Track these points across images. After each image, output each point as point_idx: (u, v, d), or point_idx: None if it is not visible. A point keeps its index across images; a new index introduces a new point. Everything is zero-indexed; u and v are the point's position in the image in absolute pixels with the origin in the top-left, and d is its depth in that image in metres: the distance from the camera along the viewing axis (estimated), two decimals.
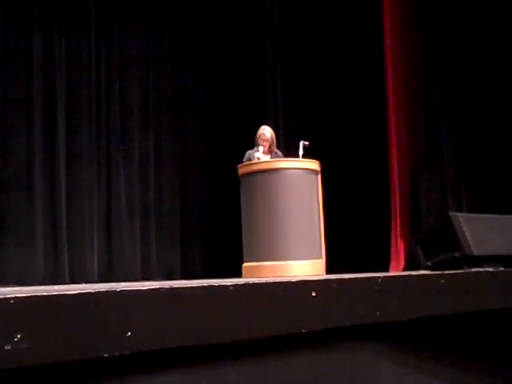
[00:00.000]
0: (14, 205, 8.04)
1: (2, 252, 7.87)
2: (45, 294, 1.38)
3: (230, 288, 1.71)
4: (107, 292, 1.49)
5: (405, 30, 7.85)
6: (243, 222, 5.35)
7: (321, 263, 5.18)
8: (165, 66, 9.57)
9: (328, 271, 5.25)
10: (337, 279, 2.01)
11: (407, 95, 7.79)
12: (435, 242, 3.00)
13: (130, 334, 1.49)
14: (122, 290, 1.52)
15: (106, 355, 1.45)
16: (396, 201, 7.65)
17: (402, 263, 7.39)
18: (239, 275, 5.23)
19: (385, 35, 7.80)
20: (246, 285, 1.76)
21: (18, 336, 1.30)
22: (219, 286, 1.70)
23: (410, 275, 2.31)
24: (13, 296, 1.31)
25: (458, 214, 2.69)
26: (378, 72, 7.91)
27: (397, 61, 7.77)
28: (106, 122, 8.98)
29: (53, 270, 8.16)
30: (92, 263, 8.48)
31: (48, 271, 8.10)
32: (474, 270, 2.58)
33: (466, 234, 2.64)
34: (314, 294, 1.89)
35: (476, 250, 2.64)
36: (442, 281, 2.29)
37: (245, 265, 5.26)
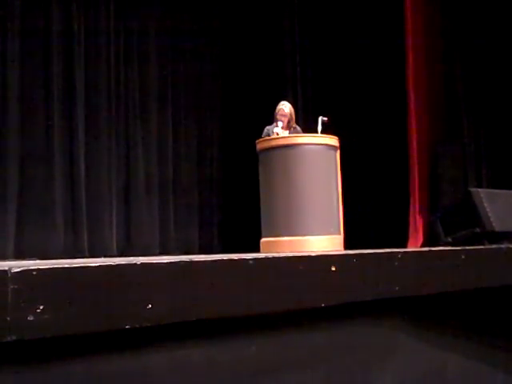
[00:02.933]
0: (33, 180, 8.10)
1: (23, 227, 7.95)
2: (66, 266, 1.38)
3: (250, 262, 1.71)
4: (128, 265, 1.50)
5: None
6: (261, 198, 5.34)
7: (339, 239, 5.17)
8: (183, 41, 9.52)
9: (346, 247, 5.24)
10: (357, 254, 2.00)
11: (428, 68, 7.70)
12: (455, 218, 2.98)
13: (150, 306, 1.50)
14: (142, 263, 1.52)
15: (127, 327, 1.46)
16: (415, 176, 7.60)
17: (421, 239, 7.36)
18: (257, 250, 5.24)
19: (405, 8, 7.69)
20: (266, 259, 1.76)
21: (41, 307, 1.31)
22: (239, 259, 1.70)
23: (430, 251, 2.30)
24: (35, 268, 1.32)
25: (479, 189, 2.67)
26: (398, 45, 7.82)
27: (416, 30, 7.66)
28: (125, 98, 8.98)
29: (72, 244, 8.23)
30: (111, 238, 8.54)
31: (68, 245, 8.18)
32: (494, 245, 2.56)
33: (487, 209, 2.62)
34: (333, 269, 1.89)
35: (497, 225, 2.62)
36: (463, 256, 2.28)
37: (263, 240, 5.26)
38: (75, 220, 8.32)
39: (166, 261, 1.58)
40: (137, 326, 1.48)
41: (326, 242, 5.00)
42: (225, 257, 1.76)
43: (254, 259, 1.71)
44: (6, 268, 1.28)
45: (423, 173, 7.63)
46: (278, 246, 4.99)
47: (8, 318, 1.27)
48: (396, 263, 2.07)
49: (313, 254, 1.89)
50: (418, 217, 7.51)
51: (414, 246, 7.18)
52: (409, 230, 7.57)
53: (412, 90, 7.66)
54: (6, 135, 8.00)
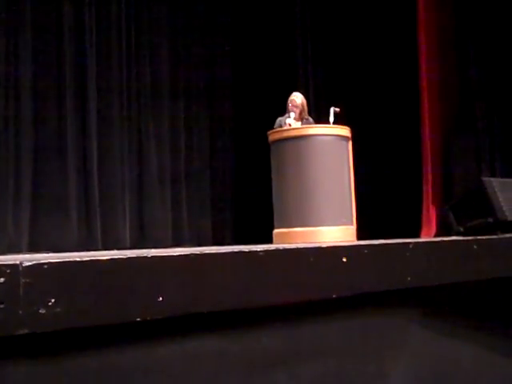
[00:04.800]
0: (47, 173, 8.14)
1: (37, 220, 8.00)
2: (77, 259, 1.39)
3: (261, 253, 1.71)
4: (139, 258, 1.50)
5: None
6: (274, 189, 5.34)
7: (352, 230, 5.16)
8: (194, 30, 9.51)
9: (359, 238, 5.23)
10: (368, 245, 2.00)
11: (440, 58, 7.64)
12: (468, 208, 2.97)
13: (161, 298, 1.50)
14: (153, 256, 1.53)
15: (138, 319, 1.47)
16: (428, 166, 7.57)
17: (434, 230, 7.34)
18: (270, 242, 5.24)
19: None
20: (277, 250, 1.76)
21: (52, 300, 1.32)
22: (250, 251, 1.70)
23: (442, 241, 2.29)
24: (46, 261, 1.33)
25: (492, 178, 2.65)
26: (409, 34, 7.77)
27: (429, 16, 7.60)
28: (137, 90, 8.99)
29: (86, 237, 8.28)
30: (124, 230, 8.58)
31: (81, 238, 8.22)
32: (507, 235, 2.54)
33: (500, 199, 2.60)
34: (344, 260, 1.88)
35: (510, 215, 2.60)
36: (475, 246, 2.27)
37: (275, 231, 5.26)
38: (88, 213, 8.36)
39: (176, 253, 1.59)
40: (148, 318, 1.48)
41: (338, 233, 4.99)
42: (235, 249, 1.76)
43: (265, 251, 1.71)
44: (18, 262, 1.29)
45: (436, 163, 7.59)
46: (291, 237, 4.99)
47: (20, 312, 1.28)
48: (408, 253, 2.06)
49: (323, 246, 1.89)
50: (430, 207, 7.48)
51: (426, 237, 7.16)
52: (422, 220, 7.55)
53: (424, 79, 7.62)
54: (20, 129, 8.04)
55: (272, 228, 5.31)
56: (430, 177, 7.53)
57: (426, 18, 7.61)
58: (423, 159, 7.63)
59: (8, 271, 1.27)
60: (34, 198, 8.03)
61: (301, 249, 1.84)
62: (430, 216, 7.46)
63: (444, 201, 7.35)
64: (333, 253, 1.90)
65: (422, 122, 7.64)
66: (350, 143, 5.30)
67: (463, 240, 2.42)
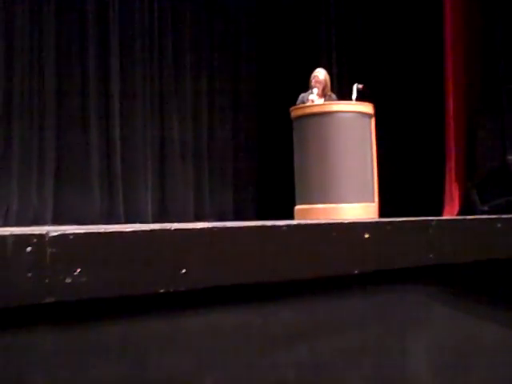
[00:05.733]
0: (69, 147, 8.22)
1: (60, 193, 8.09)
2: (102, 230, 1.41)
3: (283, 228, 1.71)
4: (162, 230, 1.52)
5: None
6: (296, 165, 5.34)
7: (373, 207, 5.16)
8: (217, 10, 9.47)
9: (381, 215, 5.22)
10: (390, 221, 1.99)
11: (466, 36, 7.53)
12: (492, 187, 2.94)
13: (184, 271, 1.52)
14: (176, 229, 1.54)
15: (161, 291, 1.49)
16: (451, 145, 7.50)
17: (457, 208, 7.29)
18: (291, 218, 5.26)
19: None
20: (299, 225, 1.77)
21: (78, 270, 1.34)
22: (272, 225, 1.70)
23: (464, 219, 2.28)
24: (72, 232, 1.35)
25: None
26: (435, 13, 7.66)
27: (456, 4, 7.49)
28: (159, 65, 9.01)
29: (108, 210, 8.37)
30: (146, 204, 8.65)
31: (104, 211, 8.32)
32: None
33: None
34: (366, 236, 1.88)
35: None
36: (499, 225, 2.25)
37: (297, 207, 5.27)
38: (111, 186, 8.45)
39: (199, 226, 1.60)
40: (171, 290, 1.50)
41: (360, 210, 4.99)
42: (258, 223, 1.76)
43: (287, 225, 1.71)
44: (44, 232, 1.31)
45: (460, 141, 7.51)
46: (312, 213, 5.00)
47: (46, 281, 1.31)
48: (430, 231, 2.05)
49: (346, 221, 1.89)
50: (453, 185, 7.42)
51: (449, 215, 7.12)
52: (444, 198, 7.50)
53: (449, 54, 7.52)
54: (43, 104, 8.11)
55: (294, 204, 5.31)
56: (453, 154, 7.47)
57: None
58: (446, 136, 7.56)
59: (35, 241, 1.29)
60: (58, 172, 8.13)
61: (323, 224, 1.85)
62: (453, 194, 7.41)
63: (467, 179, 7.30)
64: (355, 228, 1.90)
65: (446, 99, 7.56)
66: (373, 120, 5.27)
67: (487, 218, 2.40)
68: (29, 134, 7.99)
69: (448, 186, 7.51)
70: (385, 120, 6.16)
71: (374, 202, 5.18)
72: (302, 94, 5.68)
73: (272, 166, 9.15)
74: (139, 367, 1.53)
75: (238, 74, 9.66)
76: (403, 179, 7.98)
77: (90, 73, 8.41)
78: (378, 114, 5.35)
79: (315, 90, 5.54)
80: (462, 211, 7.01)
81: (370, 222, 1.98)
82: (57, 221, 7.80)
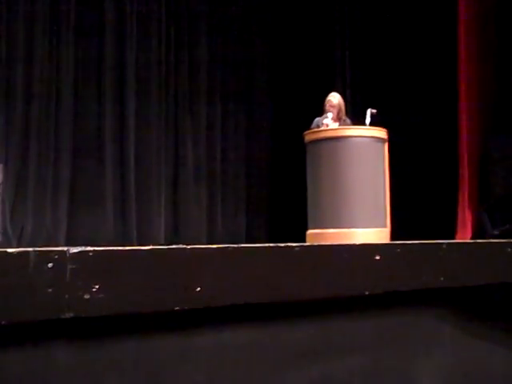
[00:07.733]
0: (85, 170, 8.30)
1: (73, 215, 8.15)
2: (120, 248, 1.45)
3: (296, 249, 1.75)
4: (178, 249, 1.56)
5: None
6: (308, 189, 5.35)
7: (386, 232, 5.15)
8: (231, 28, 9.58)
9: (393, 240, 5.21)
10: (401, 244, 2.02)
11: (479, 59, 7.56)
12: (503, 211, 2.96)
13: (199, 289, 1.55)
14: (192, 248, 1.58)
15: (176, 308, 1.52)
16: (464, 169, 7.49)
17: (469, 234, 7.26)
18: (303, 242, 5.26)
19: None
20: (312, 246, 1.81)
21: (96, 287, 1.38)
22: (285, 246, 1.74)
23: (475, 242, 2.30)
24: (92, 249, 1.39)
25: None
26: (448, 37, 7.72)
27: (470, 24, 7.54)
28: (175, 86, 9.10)
29: (121, 233, 8.41)
30: (159, 227, 8.69)
31: (117, 234, 8.35)
32: None
33: None
34: (377, 258, 1.91)
35: None
36: (509, 249, 2.27)
37: (309, 232, 5.28)
38: (125, 209, 8.50)
39: (214, 246, 1.64)
40: (186, 307, 1.54)
41: (372, 235, 4.99)
42: (272, 244, 1.80)
43: (300, 246, 1.75)
44: (65, 249, 1.36)
45: (473, 166, 7.51)
46: (324, 237, 5.00)
47: (66, 296, 1.35)
48: (441, 253, 2.08)
49: (357, 243, 1.92)
50: (466, 211, 7.41)
51: (461, 240, 7.10)
52: (457, 224, 7.49)
53: (463, 80, 7.55)
54: (59, 126, 8.22)
55: (306, 229, 5.32)
56: (466, 180, 7.47)
57: (467, 17, 7.55)
58: (460, 161, 7.56)
59: (56, 257, 1.33)
60: (72, 194, 8.19)
61: (335, 246, 1.88)
62: (466, 220, 7.39)
63: (480, 205, 7.28)
64: (366, 251, 1.93)
65: (459, 124, 7.57)
66: (387, 145, 5.29)
67: (497, 242, 2.43)
68: (44, 156, 8.08)
69: (461, 211, 7.50)
70: (399, 145, 6.18)
71: (386, 227, 5.17)
72: (317, 118, 5.70)
73: (284, 191, 9.17)
74: (153, 383, 1.56)
75: (253, 97, 9.73)
76: (416, 204, 7.98)
77: (105, 95, 8.51)
78: (392, 139, 5.37)
79: (330, 115, 5.56)
80: (475, 237, 6.99)
81: (381, 244, 2.02)
82: (70, 242, 7.84)
